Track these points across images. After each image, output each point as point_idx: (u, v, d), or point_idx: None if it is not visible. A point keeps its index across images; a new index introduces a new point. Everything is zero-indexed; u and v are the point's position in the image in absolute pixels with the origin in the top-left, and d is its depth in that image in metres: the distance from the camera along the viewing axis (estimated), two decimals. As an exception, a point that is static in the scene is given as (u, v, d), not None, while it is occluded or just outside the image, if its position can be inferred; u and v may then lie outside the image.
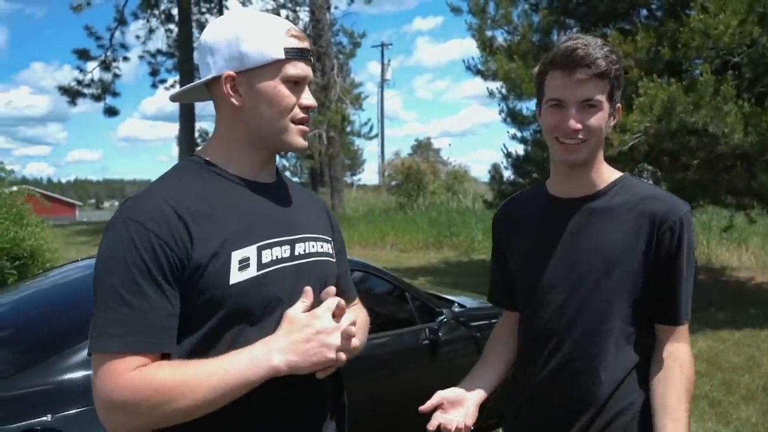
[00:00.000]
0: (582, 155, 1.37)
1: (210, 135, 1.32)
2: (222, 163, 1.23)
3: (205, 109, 25.47)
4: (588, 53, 1.31)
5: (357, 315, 1.42)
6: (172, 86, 23.06)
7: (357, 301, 1.51)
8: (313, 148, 17.66)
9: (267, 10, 21.28)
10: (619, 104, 1.40)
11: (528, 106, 9.40)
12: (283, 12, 21.80)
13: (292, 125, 1.22)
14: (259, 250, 1.17)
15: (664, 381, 1.37)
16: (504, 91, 9.21)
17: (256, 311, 1.16)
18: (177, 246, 1.09)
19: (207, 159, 1.24)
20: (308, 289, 1.20)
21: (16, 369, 2.27)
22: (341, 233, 1.48)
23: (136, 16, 22.58)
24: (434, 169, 26.11)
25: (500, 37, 9.17)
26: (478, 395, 1.49)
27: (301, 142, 1.25)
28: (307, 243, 1.27)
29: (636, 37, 6.90)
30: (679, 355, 1.38)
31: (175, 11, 21.83)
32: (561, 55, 1.33)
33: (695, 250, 1.42)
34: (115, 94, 22.50)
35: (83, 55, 21.67)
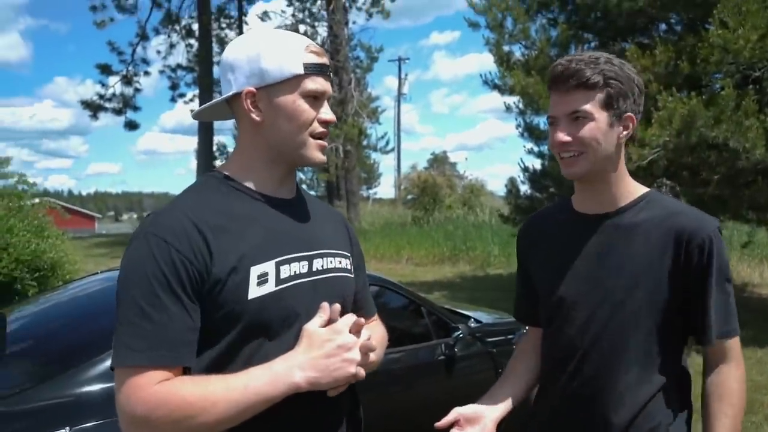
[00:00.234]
0: (581, 168, 1.36)
1: (228, 149, 1.34)
2: (242, 179, 1.24)
3: (224, 123, 25.73)
4: (569, 67, 1.33)
5: (375, 331, 1.42)
6: (191, 100, 23.35)
7: (376, 317, 1.51)
8: (330, 161, 17.74)
9: (286, 26, 21.56)
10: (629, 114, 1.37)
11: (545, 121, 9.31)
12: (302, 27, 22.05)
13: (311, 140, 1.23)
14: (278, 265, 1.18)
15: (709, 417, 1.35)
16: (521, 105, 9.20)
17: (274, 326, 1.17)
18: (197, 260, 1.10)
19: (227, 174, 1.25)
20: (325, 304, 1.20)
21: (36, 381, 2.29)
22: (360, 248, 1.49)
23: (157, 32, 22.98)
24: (450, 183, 26.06)
25: (518, 52, 9.18)
26: (495, 413, 1.47)
27: (319, 156, 1.26)
28: (325, 258, 1.28)
29: (654, 51, 6.86)
30: (721, 382, 1.35)
31: (195, 27, 22.18)
32: (549, 76, 1.38)
33: (728, 265, 1.38)
34: (135, 108, 22.86)
35: (105, 69, 22.06)
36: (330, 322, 1.20)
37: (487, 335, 3.74)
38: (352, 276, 1.37)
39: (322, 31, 21.93)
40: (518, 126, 9.67)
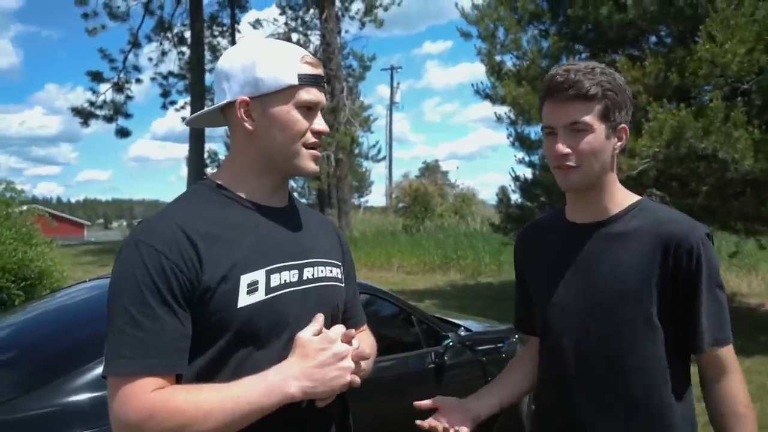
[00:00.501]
0: (579, 180, 1.35)
1: (220, 156, 1.34)
2: (234, 187, 1.24)
3: (215, 131, 25.73)
4: (568, 78, 1.31)
5: (364, 340, 1.42)
6: (183, 108, 23.32)
7: (366, 326, 1.51)
8: (322, 169, 17.72)
9: (278, 34, 21.57)
10: (624, 125, 1.37)
11: (536, 131, 9.43)
12: (295, 36, 22.11)
13: (304, 150, 1.24)
14: (268, 274, 1.18)
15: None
16: (512, 115, 9.26)
17: (263, 334, 1.16)
18: (187, 268, 1.10)
19: (219, 183, 1.25)
20: (319, 315, 1.20)
21: (23, 391, 2.26)
22: (351, 256, 1.49)
23: (149, 39, 22.95)
24: (442, 192, 26.14)
25: (509, 62, 9.25)
26: (476, 411, 1.48)
27: (312, 166, 1.26)
28: (315, 268, 1.28)
29: (644, 63, 6.94)
30: (726, 394, 1.33)
31: (187, 34, 22.17)
32: (546, 83, 1.36)
33: (719, 272, 1.35)
34: (127, 116, 22.78)
35: (97, 77, 21.99)
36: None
37: (477, 344, 3.75)
38: (343, 285, 1.37)
39: (315, 39, 21.99)
40: (509, 135, 9.74)
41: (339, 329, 1.19)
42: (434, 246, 16.20)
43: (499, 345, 3.89)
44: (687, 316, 1.33)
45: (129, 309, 1.07)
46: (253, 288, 1.15)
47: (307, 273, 1.25)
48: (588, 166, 1.34)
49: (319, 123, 1.25)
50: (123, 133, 22.76)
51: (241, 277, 1.14)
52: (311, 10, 22.51)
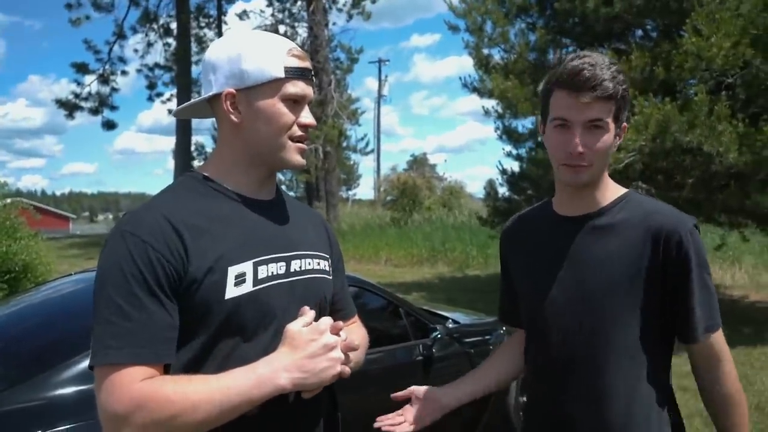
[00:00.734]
0: (588, 177, 1.35)
1: (207, 149, 1.33)
2: (221, 180, 1.24)
3: (202, 123, 25.57)
4: (595, 74, 1.27)
5: (356, 332, 1.42)
6: (169, 100, 23.15)
7: (356, 317, 1.51)
8: (309, 162, 17.68)
9: (265, 26, 21.42)
10: (625, 124, 1.38)
11: (524, 124, 9.47)
12: (282, 28, 21.98)
13: (290, 143, 1.23)
14: (256, 266, 1.18)
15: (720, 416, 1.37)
16: (500, 109, 9.28)
17: (250, 326, 1.16)
18: (174, 258, 1.10)
19: (206, 175, 1.24)
20: (306, 308, 1.20)
21: (7, 384, 2.25)
22: (339, 249, 1.49)
23: (135, 30, 22.73)
24: (430, 185, 26.18)
25: (497, 56, 9.27)
26: (448, 400, 1.53)
27: (299, 159, 1.26)
28: (303, 260, 1.28)
29: (631, 57, 6.98)
30: (719, 378, 1.36)
31: (173, 25, 21.99)
32: (567, 75, 1.29)
33: (707, 261, 1.37)
34: (112, 108, 22.60)
35: (81, 68, 21.79)
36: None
37: (465, 336, 3.77)
38: (330, 278, 1.37)
39: (302, 31, 21.91)
40: (497, 129, 9.77)
41: (327, 321, 1.19)
42: (422, 239, 16.25)
43: (487, 337, 3.91)
44: (678, 307, 1.33)
45: (115, 299, 1.07)
46: (240, 280, 1.15)
47: (295, 265, 1.25)
48: (599, 164, 1.34)
49: (306, 116, 1.24)
50: (109, 125, 22.60)
51: (229, 268, 1.14)
52: (298, 2, 22.41)
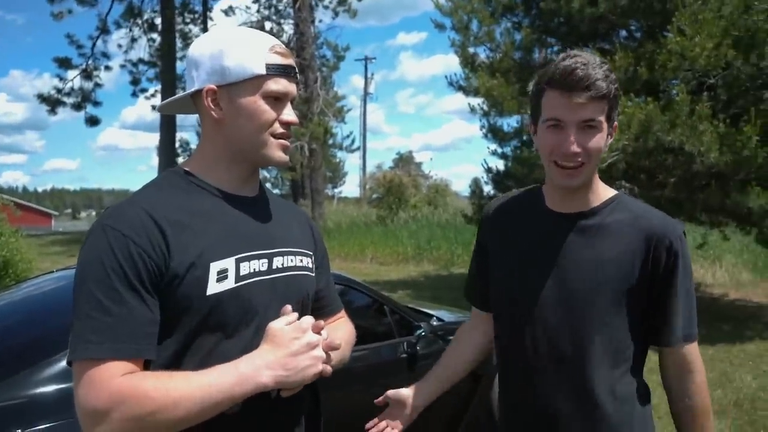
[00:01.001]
0: (581, 179, 1.34)
1: (191, 145, 1.33)
2: (203, 176, 1.24)
3: (186, 119, 25.37)
4: (588, 74, 1.26)
5: (343, 327, 1.43)
6: (153, 96, 22.96)
7: (343, 313, 1.51)
8: (295, 160, 17.62)
9: (251, 23, 21.27)
10: (615, 122, 1.37)
11: (509, 122, 9.52)
12: (268, 24, 21.88)
13: (272, 139, 1.23)
14: (238, 262, 1.18)
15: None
16: (485, 107, 9.32)
17: (232, 323, 1.16)
18: (155, 254, 1.09)
19: (188, 170, 1.24)
20: (288, 307, 1.20)
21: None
22: (324, 246, 1.49)
23: (118, 25, 22.51)
24: (416, 183, 26.21)
25: (483, 54, 9.30)
26: (419, 401, 1.57)
27: (281, 156, 1.25)
28: (285, 257, 1.28)
29: (615, 56, 7.04)
30: (688, 390, 1.38)
31: (158, 21, 21.78)
32: (560, 75, 1.28)
33: (692, 269, 1.39)
34: (96, 104, 22.34)
35: (64, 63, 21.52)
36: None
37: (449, 333, 3.77)
38: (313, 275, 1.37)
39: (288, 28, 21.79)
40: (482, 127, 9.81)
41: (309, 320, 1.19)
42: (407, 237, 16.26)
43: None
44: (659, 311, 1.35)
45: (96, 294, 1.05)
46: (222, 276, 1.15)
47: (277, 262, 1.25)
48: (591, 164, 1.33)
49: (288, 114, 1.24)
50: (92, 121, 22.35)
51: (211, 264, 1.14)
52: (284, -1, 22.30)
